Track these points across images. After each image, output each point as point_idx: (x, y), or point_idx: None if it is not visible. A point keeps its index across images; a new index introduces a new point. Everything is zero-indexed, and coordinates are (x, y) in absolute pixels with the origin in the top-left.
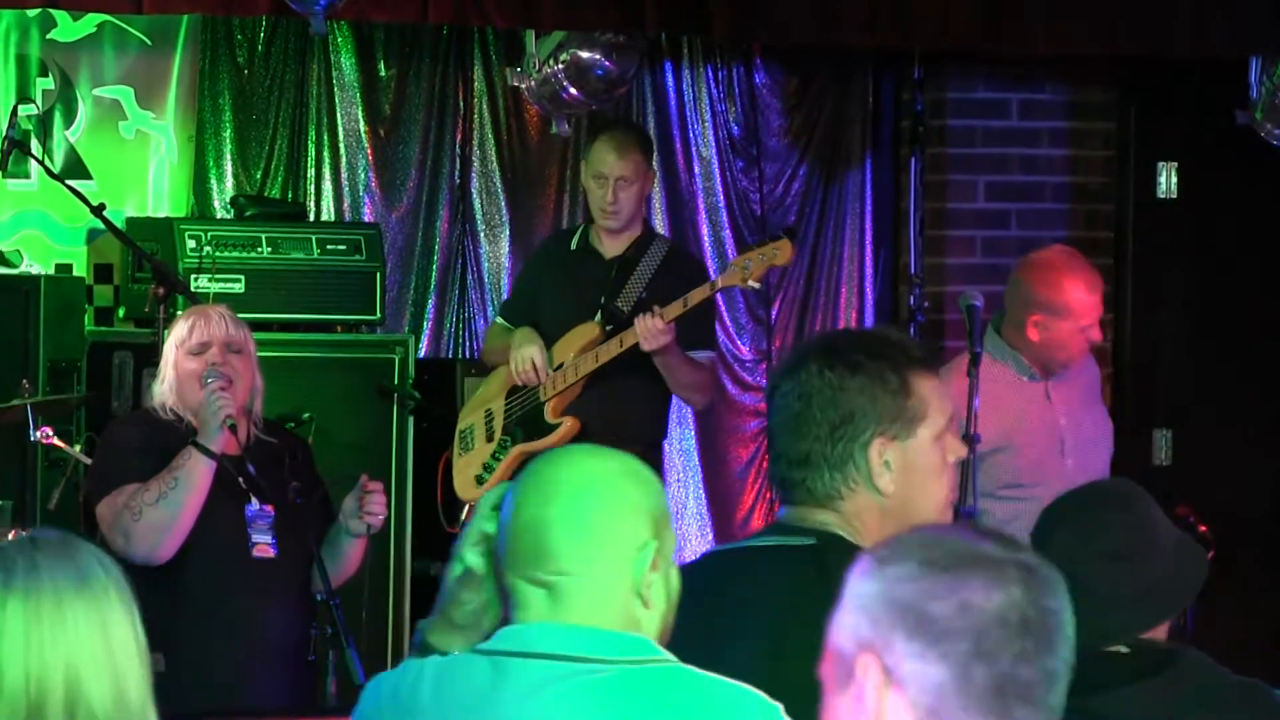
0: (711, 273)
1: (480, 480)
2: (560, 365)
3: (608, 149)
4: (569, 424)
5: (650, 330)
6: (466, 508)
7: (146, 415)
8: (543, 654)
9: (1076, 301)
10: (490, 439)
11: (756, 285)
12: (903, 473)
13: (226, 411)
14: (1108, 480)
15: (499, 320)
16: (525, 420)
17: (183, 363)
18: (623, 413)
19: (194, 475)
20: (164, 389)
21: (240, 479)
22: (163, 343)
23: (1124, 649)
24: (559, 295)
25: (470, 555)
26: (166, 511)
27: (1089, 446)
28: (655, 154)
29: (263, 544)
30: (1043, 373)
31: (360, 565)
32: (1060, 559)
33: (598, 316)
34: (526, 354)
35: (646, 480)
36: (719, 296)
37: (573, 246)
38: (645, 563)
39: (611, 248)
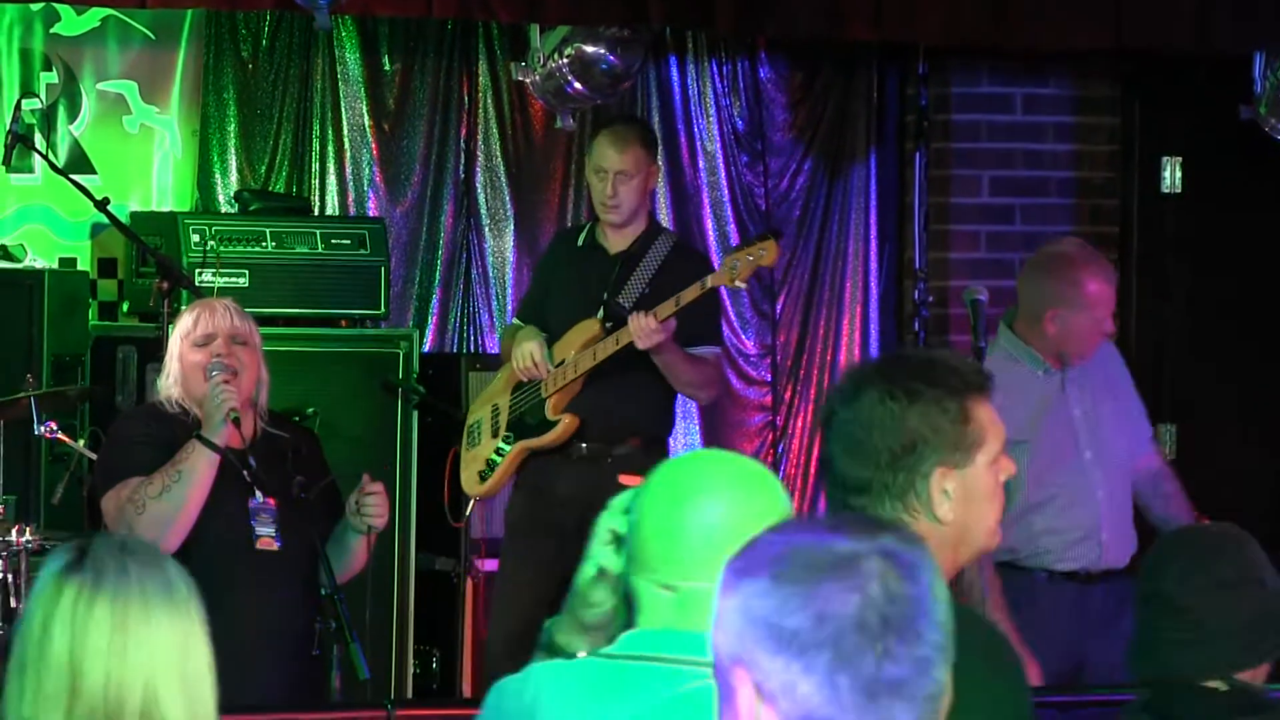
0: (717, 268)
1: (484, 476)
2: (561, 362)
3: (607, 144)
4: (567, 421)
5: (644, 329)
6: (471, 503)
7: (152, 409)
8: (663, 658)
9: (1094, 294)
10: (495, 435)
11: (743, 285)
12: (961, 501)
13: (230, 404)
14: (1217, 523)
15: (514, 321)
16: (527, 416)
17: (187, 355)
18: (625, 408)
19: (197, 468)
20: (169, 382)
21: (244, 472)
22: (167, 337)
23: (1223, 686)
24: (565, 292)
25: (603, 557)
26: (170, 504)
27: (1109, 437)
28: (660, 149)
29: (266, 537)
30: (1057, 365)
31: (367, 560)
32: (1173, 588)
33: (599, 313)
34: (527, 349)
35: (774, 487)
36: (724, 291)
37: (580, 243)
38: None
39: (617, 243)
